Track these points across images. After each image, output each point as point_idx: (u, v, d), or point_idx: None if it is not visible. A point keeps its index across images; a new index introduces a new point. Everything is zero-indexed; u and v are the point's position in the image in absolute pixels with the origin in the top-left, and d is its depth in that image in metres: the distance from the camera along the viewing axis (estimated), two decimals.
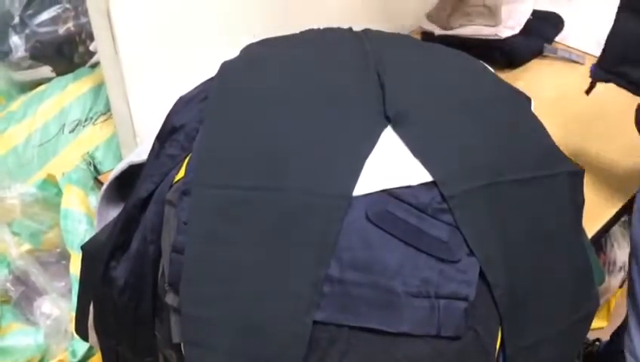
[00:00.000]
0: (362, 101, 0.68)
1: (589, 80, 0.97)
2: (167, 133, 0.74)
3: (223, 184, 0.64)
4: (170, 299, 0.64)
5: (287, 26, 0.87)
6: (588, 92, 0.97)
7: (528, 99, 0.87)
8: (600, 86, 0.96)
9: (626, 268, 1.41)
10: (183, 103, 0.77)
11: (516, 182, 0.64)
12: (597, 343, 1.40)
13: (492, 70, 0.86)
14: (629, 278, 0.98)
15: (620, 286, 1.45)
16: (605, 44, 0.92)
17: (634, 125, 0.97)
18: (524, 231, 0.62)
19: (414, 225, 0.59)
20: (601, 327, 1.46)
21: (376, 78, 0.71)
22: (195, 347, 0.61)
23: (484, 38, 1.28)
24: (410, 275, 0.57)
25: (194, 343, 0.61)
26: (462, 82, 0.75)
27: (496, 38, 1.28)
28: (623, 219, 1.29)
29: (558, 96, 1.22)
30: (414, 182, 0.61)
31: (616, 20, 0.91)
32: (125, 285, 0.68)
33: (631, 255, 0.96)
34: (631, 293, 0.98)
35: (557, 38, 1.41)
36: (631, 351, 1.02)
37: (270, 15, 1.09)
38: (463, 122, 0.68)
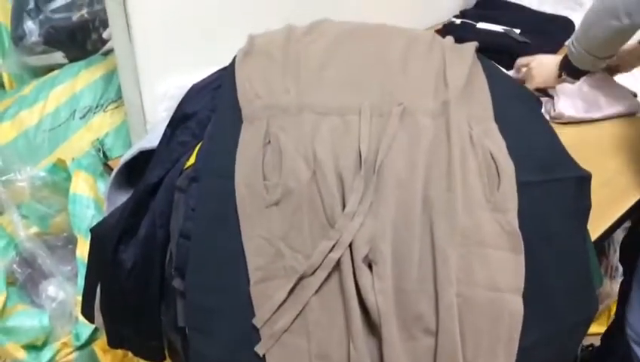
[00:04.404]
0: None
1: None
2: (178, 120, 0.74)
3: (231, 174, 0.65)
4: (177, 283, 0.65)
5: (304, 16, 0.87)
6: None
7: (539, 101, 0.87)
8: None
9: None
10: (196, 91, 0.78)
11: (525, 184, 0.64)
12: (590, 349, 1.41)
13: (505, 71, 0.86)
14: None
15: None
16: None
17: None
18: (527, 233, 0.62)
19: None
20: (602, 332, 1.46)
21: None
22: (198, 332, 0.62)
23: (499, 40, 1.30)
24: None
25: (197, 329, 0.62)
26: None
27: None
28: (625, 224, 1.29)
29: None
30: None
31: None
32: (133, 268, 0.69)
33: None
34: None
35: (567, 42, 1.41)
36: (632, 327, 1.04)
37: (285, 8, 1.09)
38: None
